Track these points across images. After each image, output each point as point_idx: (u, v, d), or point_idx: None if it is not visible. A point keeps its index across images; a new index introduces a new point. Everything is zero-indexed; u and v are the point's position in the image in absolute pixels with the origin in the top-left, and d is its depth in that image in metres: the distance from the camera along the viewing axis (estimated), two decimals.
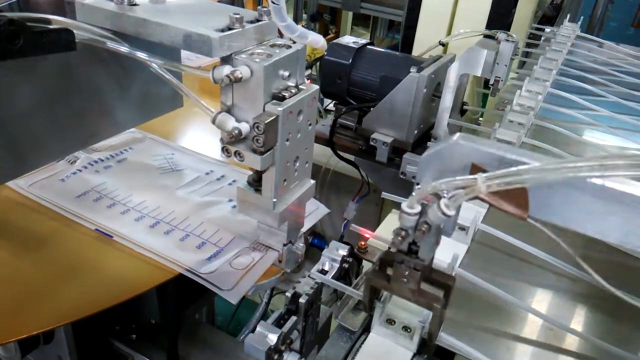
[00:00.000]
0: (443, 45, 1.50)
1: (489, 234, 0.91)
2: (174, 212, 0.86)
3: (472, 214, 0.95)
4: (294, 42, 0.65)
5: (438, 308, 0.60)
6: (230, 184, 0.96)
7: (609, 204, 0.46)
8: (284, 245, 0.74)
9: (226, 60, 0.61)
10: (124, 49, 0.64)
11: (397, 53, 1.28)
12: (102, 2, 0.65)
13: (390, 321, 0.74)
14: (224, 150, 0.63)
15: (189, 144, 1.08)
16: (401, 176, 1.11)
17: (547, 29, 1.96)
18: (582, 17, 2.08)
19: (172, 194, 0.91)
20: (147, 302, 0.90)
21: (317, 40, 0.67)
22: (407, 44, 1.79)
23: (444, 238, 0.91)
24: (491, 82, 1.16)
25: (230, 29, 0.60)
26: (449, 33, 1.68)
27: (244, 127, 0.62)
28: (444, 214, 0.50)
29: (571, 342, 0.75)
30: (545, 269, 0.89)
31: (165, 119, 0.90)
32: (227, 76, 0.58)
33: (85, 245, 0.78)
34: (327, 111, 1.78)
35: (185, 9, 0.68)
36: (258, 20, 0.64)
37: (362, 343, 0.74)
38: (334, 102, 1.30)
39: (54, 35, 0.60)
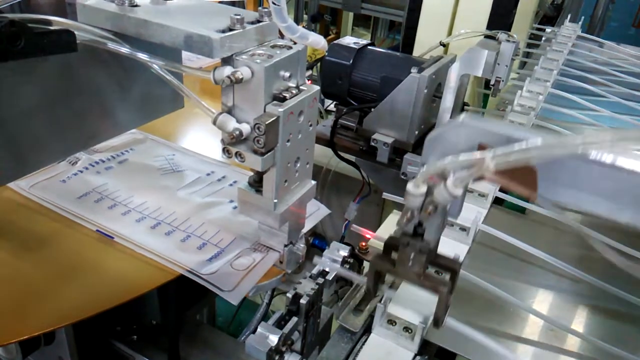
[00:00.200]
0: (444, 45, 1.50)
1: (490, 235, 0.91)
2: (175, 213, 0.86)
3: (472, 214, 0.95)
4: (295, 43, 0.65)
5: (444, 292, 0.59)
6: (231, 184, 0.96)
7: (620, 182, 0.45)
8: (285, 246, 0.74)
9: (227, 61, 0.61)
10: (124, 50, 0.64)
11: (398, 54, 1.28)
12: (103, 3, 0.65)
13: (391, 322, 0.74)
14: (225, 151, 0.63)
15: (190, 145, 1.08)
16: (402, 177, 1.11)
17: (548, 29, 1.96)
18: (582, 17, 2.08)
19: (173, 195, 0.91)
20: (148, 303, 0.90)
21: (317, 41, 0.67)
22: (408, 44, 1.79)
23: (444, 239, 0.91)
24: (492, 82, 1.16)
25: (231, 29, 0.60)
26: (449, 33, 1.68)
27: (245, 128, 0.62)
28: (450, 193, 0.49)
29: (572, 343, 0.75)
30: (545, 269, 0.89)
31: (166, 120, 0.90)
32: (228, 77, 0.58)
33: (86, 246, 0.78)
34: (328, 112, 1.78)
35: (186, 9, 0.68)
36: (259, 21, 0.64)
37: (363, 344, 0.74)
38: (334, 102, 1.30)
39: (54, 36, 0.60)
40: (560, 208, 0.57)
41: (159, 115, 0.89)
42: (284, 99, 0.62)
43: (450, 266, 0.60)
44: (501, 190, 1.07)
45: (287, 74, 0.63)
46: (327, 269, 0.74)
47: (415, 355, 0.72)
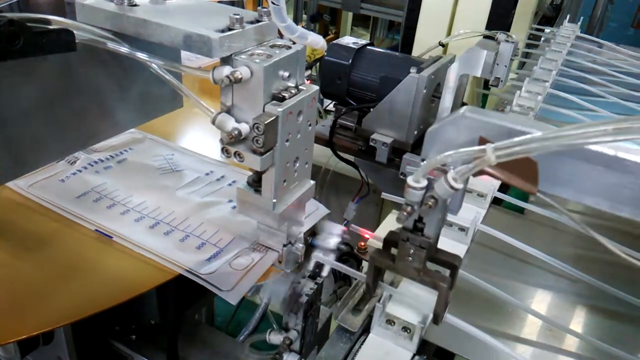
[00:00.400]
0: (443, 45, 1.50)
1: (489, 235, 0.91)
2: (174, 213, 0.86)
3: (471, 214, 0.96)
4: (294, 43, 0.65)
5: (444, 287, 0.58)
6: (230, 184, 0.96)
7: (622, 175, 0.45)
8: (284, 245, 0.74)
9: (226, 60, 0.61)
10: (124, 49, 0.64)
11: (397, 54, 1.28)
12: (102, 3, 0.65)
13: (390, 322, 0.74)
14: (224, 150, 0.63)
15: (189, 145, 1.08)
16: (401, 177, 1.11)
17: (547, 30, 1.96)
18: (581, 18, 2.08)
19: (172, 195, 0.91)
20: (146, 303, 0.89)
21: (317, 41, 0.67)
22: (407, 44, 1.79)
23: (443, 239, 0.91)
24: (491, 82, 1.16)
25: (230, 29, 0.60)
26: (448, 33, 1.68)
27: (244, 128, 0.62)
28: (451, 187, 0.48)
29: (570, 343, 0.76)
30: (544, 269, 0.89)
31: (165, 119, 0.90)
32: (227, 77, 0.58)
33: (85, 246, 0.78)
34: (327, 112, 1.78)
35: (185, 9, 0.68)
36: (258, 21, 0.64)
37: (362, 344, 0.74)
38: (333, 102, 1.30)
39: (54, 35, 0.60)
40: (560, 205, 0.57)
41: (158, 115, 0.89)
42: (283, 99, 0.62)
43: (451, 262, 0.60)
44: (500, 190, 1.07)
45: (286, 74, 0.63)
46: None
47: (414, 355, 0.72)
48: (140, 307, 0.92)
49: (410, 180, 0.51)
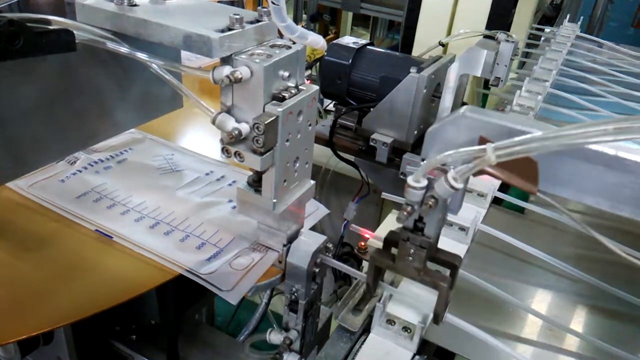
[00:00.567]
0: (443, 45, 1.50)
1: (489, 235, 0.91)
2: (174, 213, 0.86)
3: (472, 214, 0.96)
4: (294, 43, 0.65)
5: (444, 287, 0.58)
6: (230, 184, 0.96)
7: (622, 175, 0.45)
8: (284, 245, 0.74)
9: (226, 60, 0.61)
10: (124, 49, 0.64)
11: (397, 53, 1.28)
12: (102, 3, 0.65)
13: (390, 321, 0.74)
14: (224, 150, 0.63)
15: (188, 145, 1.08)
16: (401, 176, 1.11)
17: (547, 29, 1.96)
18: (581, 17, 2.08)
19: (172, 195, 0.91)
20: (147, 303, 0.90)
21: (317, 41, 0.67)
22: (407, 44, 1.79)
23: (443, 239, 0.91)
24: (491, 82, 1.16)
25: (230, 29, 0.60)
26: (448, 33, 1.68)
27: (244, 128, 0.62)
28: (451, 186, 0.48)
29: (570, 342, 0.76)
30: (544, 269, 0.89)
31: (165, 119, 0.90)
32: (227, 77, 0.58)
33: (85, 246, 0.78)
34: (327, 111, 1.78)
35: (185, 9, 0.68)
36: (258, 21, 0.64)
37: (362, 343, 0.74)
38: (333, 102, 1.30)
39: (54, 35, 0.60)
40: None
41: (158, 115, 0.89)
42: (283, 99, 0.62)
43: (451, 261, 0.60)
44: (500, 190, 1.07)
45: (286, 74, 0.63)
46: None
47: (414, 354, 0.72)
48: (140, 307, 0.92)
49: (410, 180, 0.51)
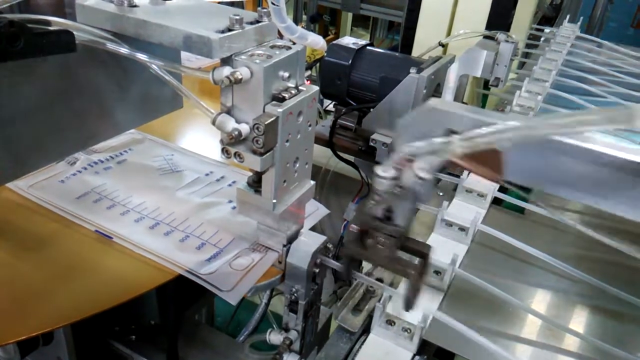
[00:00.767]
0: (443, 46, 1.50)
1: (489, 235, 0.91)
2: (174, 213, 0.86)
3: (471, 214, 0.96)
4: (294, 43, 0.65)
5: (413, 275, 0.59)
6: (230, 185, 0.96)
7: (598, 168, 0.46)
8: (284, 246, 0.74)
9: (226, 61, 0.61)
10: (124, 50, 0.64)
11: (397, 54, 1.28)
12: (102, 4, 0.65)
13: (390, 322, 0.74)
14: (224, 151, 0.63)
15: (188, 145, 1.08)
16: None
17: (547, 30, 1.96)
18: (581, 18, 2.08)
19: (172, 195, 0.91)
20: (146, 303, 0.89)
21: (316, 42, 0.67)
22: (407, 44, 1.79)
23: (443, 239, 0.91)
24: (491, 82, 1.16)
25: (230, 30, 0.60)
26: (448, 34, 1.68)
27: (244, 128, 0.62)
28: (418, 177, 0.50)
29: (571, 343, 0.76)
30: (544, 269, 0.89)
31: (165, 120, 0.90)
32: (227, 77, 0.58)
33: (85, 247, 0.78)
34: (327, 112, 1.78)
35: (185, 10, 0.68)
36: (258, 22, 0.64)
37: (362, 344, 0.74)
38: (333, 103, 1.30)
39: (54, 36, 0.60)
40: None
41: (158, 116, 0.89)
42: (283, 99, 0.62)
43: (421, 250, 0.61)
44: (500, 190, 1.07)
45: (286, 74, 0.63)
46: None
47: (414, 355, 0.72)
48: (140, 308, 0.92)
49: (379, 169, 0.53)
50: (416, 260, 0.61)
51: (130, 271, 0.74)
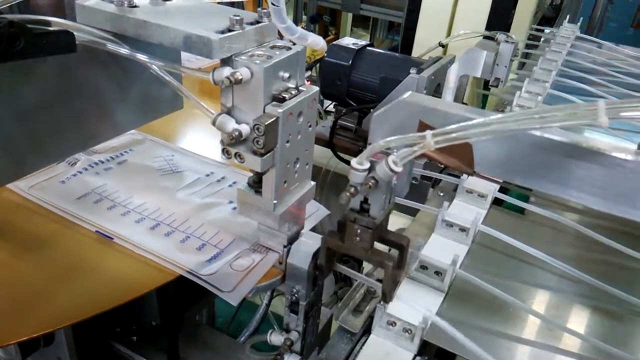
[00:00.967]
0: (443, 46, 1.51)
1: (489, 235, 0.91)
2: (175, 214, 0.86)
3: (472, 215, 0.96)
4: (294, 44, 0.65)
5: (389, 266, 0.60)
6: (230, 185, 0.96)
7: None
8: (285, 247, 0.74)
9: (226, 61, 0.61)
10: (124, 50, 0.64)
11: (397, 54, 1.28)
12: (102, 4, 0.65)
13: (391, 323, 0.74)
14: (224, 152, 0.63)
15: (189, 146, 1.08)
16: None
17: (547, 30, 1.96)
18: (581, 18, 2.08)
19: (173, 196, 0.91)
20: (147, 304, 0.89)
21: (317, 42, 0.67)
22: (407, 45, 1.80)
23: (443, 240, 0.91)
24: (491, 83, 1.16)
25: (230, 30, 0.60)
26: (448, 34, 1.69)
27: (244, 129, 0.62)
28: (391, 170, 0.51)
29: (571, 343, 0.76)
30: (545, 270, 0.89)
31: (166, 120, 0.90)
32: (227, 78, 0.58)
33: (86, 247, 0.78)
34: (327, 112, 1.78)
35: (185, 10, 0.68)
36: (258, 22, 0.64)
37: (363, 345, 0.74)
38: (334, 103, 1.30)
39: (54, 37, 0.60)
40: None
41: (158, 116, 0.89)
42: (283, 100, 0.62)
43: (398, 242, 0.62)
44: (500, 190, 1.07)
45: (286, 75, 0.63)
46: None
47: (415, 356, 0.72)
48: (141, 309, 0.92)
49: (353, 162, 0.54)
50: (393, 253, 0.62)
51: (131, 272, 0.74)
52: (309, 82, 0.71)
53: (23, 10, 0.66)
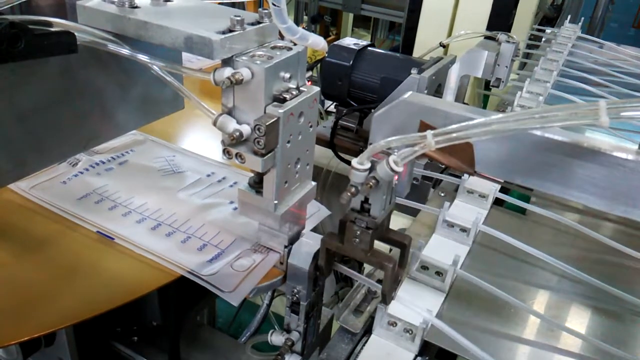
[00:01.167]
0: (444, 46, 1.50)
1: (490, 236, 0.91)
2: (176, 214, 0.86)
3: (473, 215, 0.96)
4: (295, 44, 0.65)
5: (389, 267, 0.59)
6: (231, 185, 0.96)
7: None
8: (285, 247, 0.74)
9: (227, 62, 0.61)
10: (125, 51, 0.65)
11: (398, 55, 1.28)
12: (103, 5, 0.65)
13: (391, 323, 0.74)
14: (225, 152, 0.63)
15: (190, 146, 1.08)
16: None
17: (548, 30, 1.96)
18: (582, 18, 2.08)
19: (174, 196, 0.91)
20: (148, 304, 0.90)
21: (317, 42, 0.67)
22: (408, 45, 1.79)
23: (444, 240, 0.91)
24: (492, 83, 1.16)
25: (231, 31, 0.61)
26: (449, 34, 1.68)
27: (245, 129, 0.62)
28: (392, 169, 0.51)
29: (572, 343, 0.75)
30: (546, 270, 0.89)
31: (167, 121, 0.90)
32: (228, 78, 0.58)
33: (87, 248, 0.78)
34: (328, 113, 1.78)
35: (186, 11, 0.68)
36: (259, 22, 0.65)
37: (364, 345, 0.74)
38: (334, 103, 1.30)
39: (55, 37, 0.60)
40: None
41: (159, 117, 0.89)
42: (284, 100, 0.62)
43: (401, 241, 0.62)
44: (501, 191, 1.07)
45: (287, 75, 0.63)
46: None
47: (416, 356, 0.72)
48: (142, 309, 0.92)
49: (354, 162, 0.54)
50: (393, 254, 0.62)
51: (132, 272, 0.74)
52: (309, 83, 0.71)
53: (24, 11, 0.67)
